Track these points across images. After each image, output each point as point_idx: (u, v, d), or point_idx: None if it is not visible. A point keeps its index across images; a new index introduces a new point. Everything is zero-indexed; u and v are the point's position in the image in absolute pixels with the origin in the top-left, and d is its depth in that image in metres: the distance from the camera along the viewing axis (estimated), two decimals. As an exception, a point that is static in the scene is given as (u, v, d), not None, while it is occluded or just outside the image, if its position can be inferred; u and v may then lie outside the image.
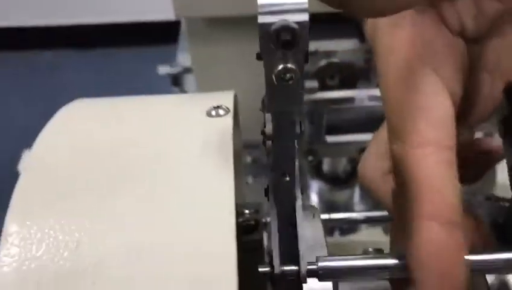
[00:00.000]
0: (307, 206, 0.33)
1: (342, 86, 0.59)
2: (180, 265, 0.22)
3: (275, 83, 0.22)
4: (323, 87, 0.58)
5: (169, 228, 0.23)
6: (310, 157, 0.60)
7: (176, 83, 0.80)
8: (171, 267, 0.21)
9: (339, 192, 0.72)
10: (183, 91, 0.79)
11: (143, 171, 0.25)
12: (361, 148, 0.59)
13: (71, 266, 0.21)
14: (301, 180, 0.29)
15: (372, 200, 0.70)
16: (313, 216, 0.33)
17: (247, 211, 0.34)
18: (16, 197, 0.23)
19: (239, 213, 0.32)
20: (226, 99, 0.28)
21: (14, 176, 0.25)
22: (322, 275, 0.27)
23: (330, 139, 0.60)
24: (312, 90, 0.57)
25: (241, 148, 0.36)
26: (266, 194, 0.28)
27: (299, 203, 0.27)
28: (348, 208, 0.73)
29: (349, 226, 0.70)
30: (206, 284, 0.21)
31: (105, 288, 0.20)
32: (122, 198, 0.23)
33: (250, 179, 0.72)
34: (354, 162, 0.72)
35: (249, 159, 0.71)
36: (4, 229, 0.21)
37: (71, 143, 0.25)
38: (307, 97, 0.57)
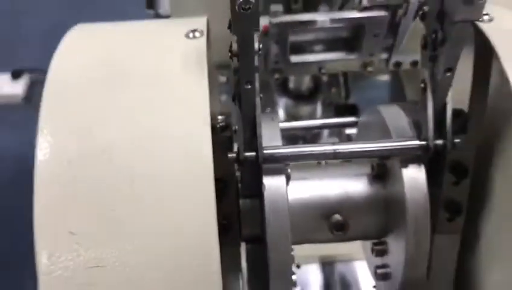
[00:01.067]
0: (268, 113, 0.42)
1: (305, 9, 0.65)
2: (169, 148, 0.30)
3: (237, 11, 0.29)
4: (288, 10, 0.65)
5: (158, 123, 0.31)
6: (276, 75, 0.68)
7: (150, 6, 0.85)
8: (164, 150, 0.30)
9: (303, 107, 0.81)
10: (157, 13, 0.84)
11: (137, 80, 0.32)
12: (322, 67, 0.67)
13: (90, 146, 0.29)
14: (269, 96, 0.37)
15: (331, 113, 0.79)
16: (272, 119, 0.42)
17: (220, 117, 0.42)
18: (44, 100, 0.30)
19: (213, 118, 0.40)
20: (201, 23, 0.35)
21: None
22: (272, 159, 0.36)
23: (294, 58, 0.67)
24: (277, 14, 0.63)
25: (214, 67, 0.44)
26: (233, 99, 0.36)
27: (258, 106, 0.35)
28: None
29: (311, 137, 0.79)
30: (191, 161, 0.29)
31: (119, 164, 0.28)
32: (121, 100, 0.31)
33: (224, 97, 0.80)
34: (316, 80, 0.80)
35: (222, 79, 0.79)
36: (39, 124, 0.29)
37: (80, 61, 0.33)
38: (273, 20, 0.64)
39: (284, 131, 0.56)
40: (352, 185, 0.42)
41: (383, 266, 0.44)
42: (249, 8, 0.29)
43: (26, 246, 1.15)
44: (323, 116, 0.84)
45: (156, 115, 0.30)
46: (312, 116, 0.84)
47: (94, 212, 0.28)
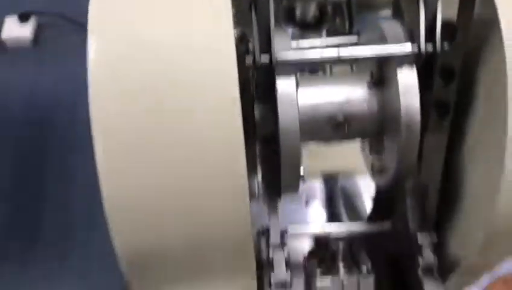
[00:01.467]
0: (279, 28, 0.47)
1: None
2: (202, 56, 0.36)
3: None
4: None
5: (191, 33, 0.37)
6: (284, 2, 0.72)
7: None
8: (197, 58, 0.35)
9: (309, 35, 0.86)
10: None
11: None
12: None
13: (137, 44, 0.34)
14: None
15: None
16: (284, 30, 0.47)
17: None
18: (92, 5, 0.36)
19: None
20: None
21: None
22: (285, 61, 0.42)
23: None
24: None
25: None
26: (250, 7, 0.41)
27: (272, 13, 0.41)
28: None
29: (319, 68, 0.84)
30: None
31: (161, 61, 0.34)
32: (158, 6, 0.37)
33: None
34: (321, 10, 0.85)
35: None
36: (89, 26, 0.35)
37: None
38: None
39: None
40: (353, 90, 0.48)
41: (379, 160, 0.50)
42: None
43: (41, 176, 1.21)
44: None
45: (186, 25, 0.36)
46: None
47: (141, 99, 0.34)
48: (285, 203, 0.73)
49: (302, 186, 0.83)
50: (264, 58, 0.42)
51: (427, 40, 0.43)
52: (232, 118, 0.36)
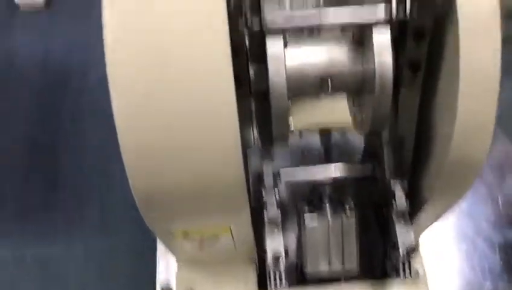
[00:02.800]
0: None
1: None
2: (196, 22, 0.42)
3: None
4: None
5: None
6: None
7: None
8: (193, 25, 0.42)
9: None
10: None
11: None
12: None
13: (150, 22, 0.41)
14: None
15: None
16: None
17: None
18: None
19: None
20: None
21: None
22: (274, 22, 0.48)
23: None
24: None
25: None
26: None
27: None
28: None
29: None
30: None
31: (170, 34, 0.41)
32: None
33: None
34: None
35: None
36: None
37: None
38: None
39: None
40: (336, 49, 0.54)
41: (360, 113, 0.57)
42: None
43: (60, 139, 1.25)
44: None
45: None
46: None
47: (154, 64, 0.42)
48: (283, 155, 0.81)
49: (299, 141, 0.91)
50: (256, 25, 0.48)
51: (398, 4, 0.49)
52: (224, 75, 0.43)
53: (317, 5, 0.80)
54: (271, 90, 0.51)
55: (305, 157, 0.84)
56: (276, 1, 0.52)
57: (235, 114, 0.46)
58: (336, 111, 0.74)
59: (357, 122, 0.58)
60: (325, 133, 0.86)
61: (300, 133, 0.85)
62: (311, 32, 0.57)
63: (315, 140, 0.87)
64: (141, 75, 0.42)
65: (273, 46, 0.50)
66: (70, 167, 1.21)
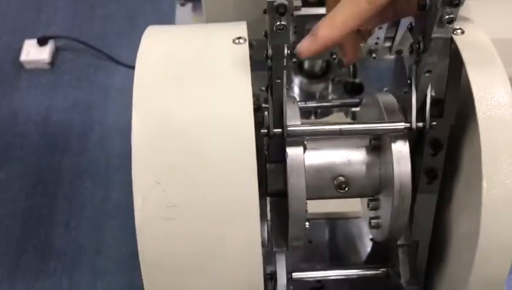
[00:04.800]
0: (290, 97, 0.54)
1: (320, 4, 0.77)
2: (223, 130, 0.43)
3: (274, 31, 0.42)
4: (306, 4, 0.76)
5: (216, 111, 0.44)
6: (294, 59, 0.79)
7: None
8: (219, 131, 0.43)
9: (316, 84, 0.93)
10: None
11: (200, 70, 0.45)
12: (333, 52, 0.78)
13: (170, 125, 0.41)
14: (287, 76, 0.49)
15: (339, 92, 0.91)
16: (293, 102, 0.54)
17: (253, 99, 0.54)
18: (135, 90, 0.43)
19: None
20: (243, 31, 0.48)
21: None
22: (294, 134, 0.48)
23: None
24: (297, 8, 0.75)
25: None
26: (267, 90, 0.48)
27: (285, 95, 0.48)
28: (322, 96, 0.94)
29: (323, 111, 0.91)
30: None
31: (191, 139, 0.41)
32: (188, 93, 0.44)
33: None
34: (328, 62, 0.92)
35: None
36: (134, 106, 0.42)
37: (157, 60, 0.45)
38: (294, 14, 0.75)
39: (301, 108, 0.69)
40: (353, 154, 0.55)
41: (376, 217, 0.57)
42: (283, 28, 0.42)
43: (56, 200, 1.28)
44: (333, 91, 0.96)
45: (214, 103, 0.43)
46: (323, 92, 0.96)
47: (173, 170, 0.41)
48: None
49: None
50: (278, 132, 0.49)
51: (418, 118, 0.50)
52: (249, 185, 0.43)
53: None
54: (289, 196, 0.51)
55: (313, 253, 0.83)
56: (296, 108, 0.53)
57: (257, 218, 0.45)
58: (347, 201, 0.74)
59: (372, 227, 0.58)
60: (333, 219, 0.86)
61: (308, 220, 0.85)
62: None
63: (322, 233, 0.86)
64: (165, 190, 0.42)
65: (293, 151, 0.51)
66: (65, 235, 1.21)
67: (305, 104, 0.67)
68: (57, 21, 1.68)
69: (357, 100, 0.63)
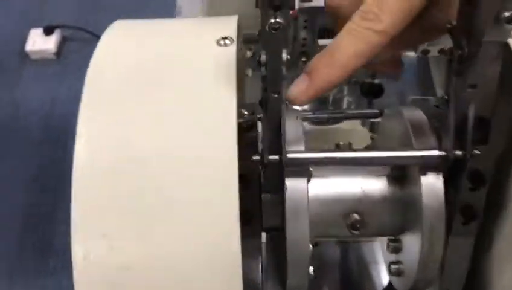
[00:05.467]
0: (292, 111, 0.43)
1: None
2: (196, 159, 0.32)
3: (267, 31, 0.31)
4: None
5: (187, 135, 0.33)
6: (304, 58, 0.68)
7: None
8: (191, 161, 0.31)
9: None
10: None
11: (169, 87, 0.34)
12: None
13: (125, 156, 0.31)
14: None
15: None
16: (296, 118, 0.43)
17: (246, 113, 0.43)
18: (82, 105, 0.32)
19: (240, 116, 0.41)
20: (232, 30, 0.37)
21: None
22: (295, 163, 0.37)
23: (322, 42, 0.68)
24: (306, 0, 0.64)
25: (243, 64, 0.45)
26: (261, 105, 0.37)
27: (284, 113, 0.37)
28: (336, 101, 0.82)
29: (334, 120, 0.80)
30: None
31: (151, 174, 0.30)
32: (153, 108, 0.33)
33: (249, 72, 0.81)
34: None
35: (249, 53, 0.79)
36: (78, 129, 0.31)
37: (116, 64, 0.34)
38: (303, 5, 0.64)
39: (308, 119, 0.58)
40: (370, 185, 0.44)
41: (397, 262, 0.46)
42: (279, 27, 0.30)
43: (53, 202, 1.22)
44: (349, 94, 0.84)
45: (184, 127, 0.32)
46: (337, 94, 0.84)
47: (126, 218, 0.30)
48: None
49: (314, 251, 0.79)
50: (274, 159, 0.38)
51: (456, 144, 0.38)
52: (228, 243, 0.32)
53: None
54: (288, 237, 0.41)
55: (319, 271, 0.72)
56: (300, 131, 0.42)
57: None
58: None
59: (393, 273, 0.46)
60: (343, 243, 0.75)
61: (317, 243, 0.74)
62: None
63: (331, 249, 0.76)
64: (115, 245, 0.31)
65: (294, 183, 0.40)
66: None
67: (313, 114, 0.56)
68: (64, 10, 1.67)
69: (377, 111, 0.52)
